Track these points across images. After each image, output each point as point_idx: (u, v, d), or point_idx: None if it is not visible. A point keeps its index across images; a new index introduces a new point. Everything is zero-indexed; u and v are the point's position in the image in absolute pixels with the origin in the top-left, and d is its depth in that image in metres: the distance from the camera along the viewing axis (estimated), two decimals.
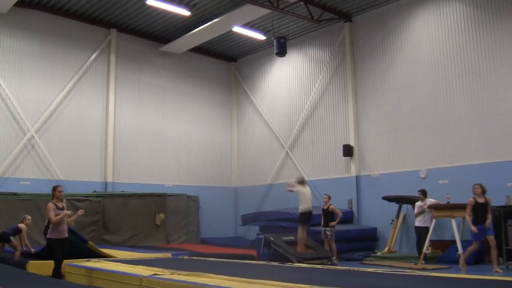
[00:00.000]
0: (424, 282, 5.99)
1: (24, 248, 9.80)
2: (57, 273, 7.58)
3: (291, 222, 13.86)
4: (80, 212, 8.42)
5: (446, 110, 13.05)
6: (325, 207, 12.21)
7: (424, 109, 13.51)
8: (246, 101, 19.12)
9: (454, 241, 10.88)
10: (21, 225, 9.83)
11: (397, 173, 13.92)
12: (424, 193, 11.49)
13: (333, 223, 11.91)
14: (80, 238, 9.36)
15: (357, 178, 14.93)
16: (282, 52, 15.28)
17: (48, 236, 7.72)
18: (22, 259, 9.16)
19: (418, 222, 11.45)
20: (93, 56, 15.90)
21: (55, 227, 7.65)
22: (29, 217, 10.10)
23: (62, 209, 7.80)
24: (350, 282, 5.91)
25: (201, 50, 18.37)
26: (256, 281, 5.66)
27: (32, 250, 9.80)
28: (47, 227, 9.30)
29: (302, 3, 14.32)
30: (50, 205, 7.71)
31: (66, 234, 7.77)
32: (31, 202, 12.58)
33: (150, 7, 14.66)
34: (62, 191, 7.96)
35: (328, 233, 11.91)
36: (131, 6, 14.95)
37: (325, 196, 12.38)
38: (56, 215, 7.62)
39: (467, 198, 9.95)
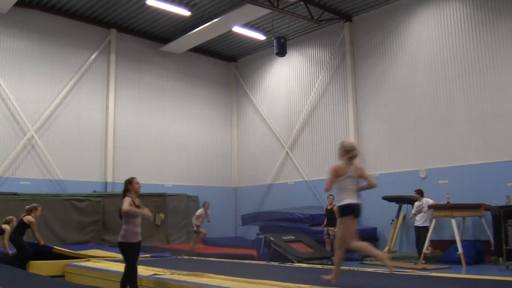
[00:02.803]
0: (424, 282, 6.00)
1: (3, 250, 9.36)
2: (125, 282, 6.27)
3: (291, 222, 13.88)
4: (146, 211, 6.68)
5: (446, 110, 13.04)
6: (329, 207, 12.20)
7: (424, 109, 13.50)
8: (246, 101, 19.11)
9: (454, 241, 10.89)
10: (5, 226, 9.28)
11: (397, 173, 13.91)
12: (420, 193, 11.51)
13: None
14: (45, 247, 9.56)
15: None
16: (282, 52, 15.27)
17: (120, 239, 6.34)
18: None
19: (418, 222, 11.48)
20: (93, 56, 15.90)
21: (130, 228, 6.37)
22: (15, 218, 9.58)
23: (139, 207, 6.62)
24: (350, 282, 5.91)
25: (201, 50, 18.36)
26: (256, 281, 5.66)
27: (10, 252, 9.19)
28: (16, 235, 8.88)
29: (302, 3, 14.31)
30: (128, 199, 6.44)
31: (140, 238, 6.50)
32: (31, 202, 12.50)
33: (150, 7, 14.66)
34: (139, 183, 6.70)
35: (331, 233, 11.88)
36: (131, 6, 14.95)
37: (330, 196, 12.34)
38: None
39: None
